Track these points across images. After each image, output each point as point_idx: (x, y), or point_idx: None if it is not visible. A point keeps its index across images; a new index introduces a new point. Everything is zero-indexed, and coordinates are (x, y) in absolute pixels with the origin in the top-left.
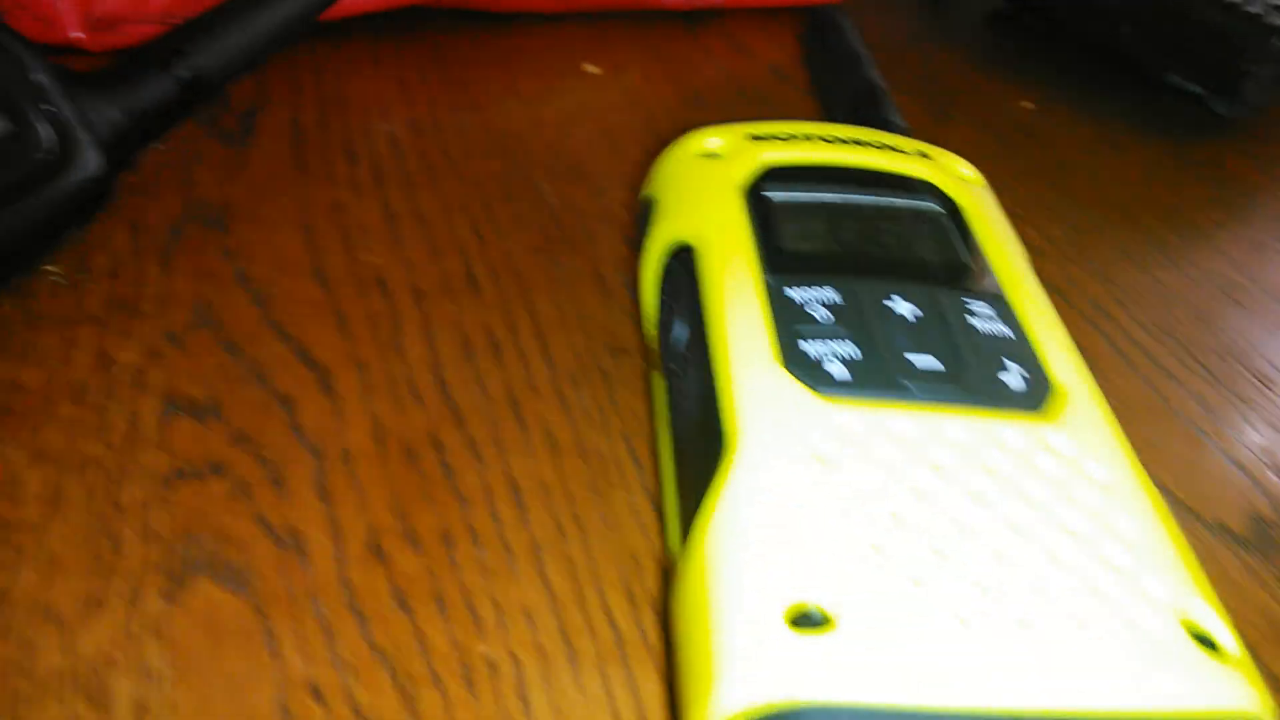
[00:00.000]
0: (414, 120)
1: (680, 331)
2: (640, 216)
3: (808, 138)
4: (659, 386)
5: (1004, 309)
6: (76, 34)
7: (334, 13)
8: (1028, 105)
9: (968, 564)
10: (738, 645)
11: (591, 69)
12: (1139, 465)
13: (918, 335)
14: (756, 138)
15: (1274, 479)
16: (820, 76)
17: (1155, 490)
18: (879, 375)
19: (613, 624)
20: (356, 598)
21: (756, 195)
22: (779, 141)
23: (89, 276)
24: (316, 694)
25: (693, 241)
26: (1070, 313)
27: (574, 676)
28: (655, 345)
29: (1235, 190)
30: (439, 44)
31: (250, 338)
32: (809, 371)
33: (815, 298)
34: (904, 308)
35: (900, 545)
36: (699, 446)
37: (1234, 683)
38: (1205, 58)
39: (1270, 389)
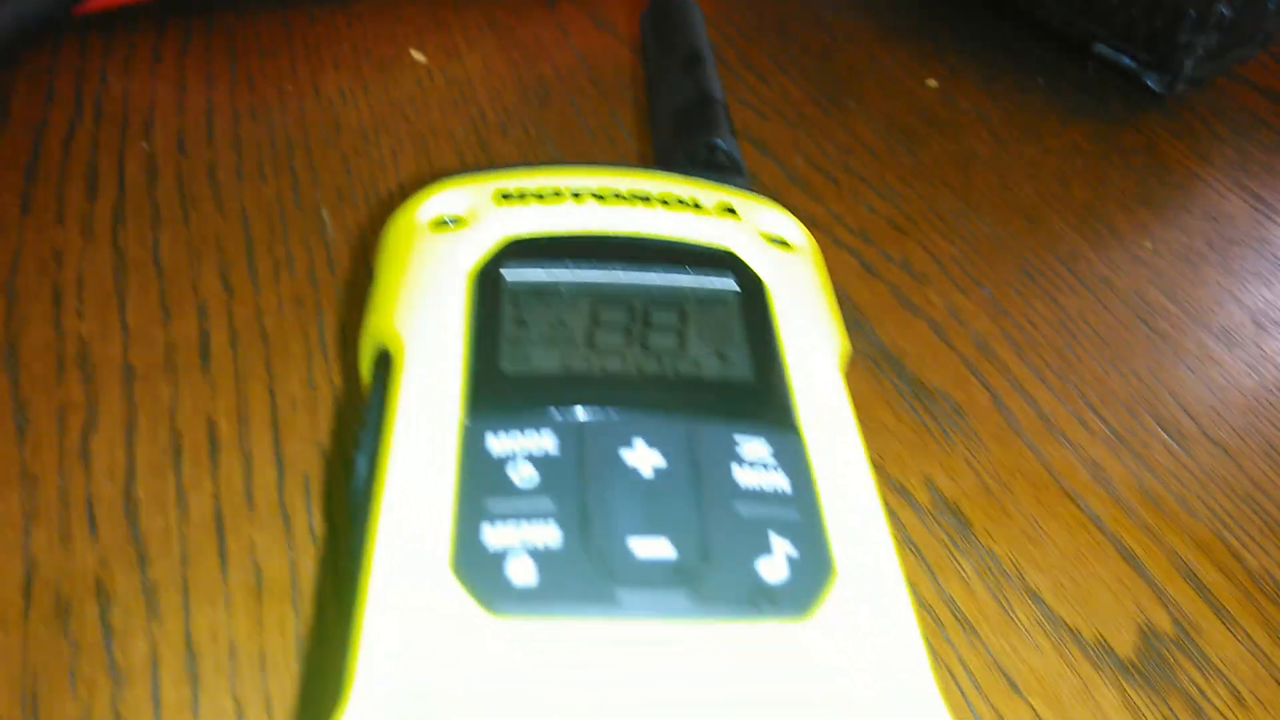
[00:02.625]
0: (183, 133)
1: (360, 474)
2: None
3: (576, 194)
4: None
5: (790, 449)
6: None
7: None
8: (932, 84)
9: None
10: None
11: (418, 57)
12: (927, 687)
13: (653, 505)
14: (507, 196)
15: (1180, 578)
16: (652, 77)
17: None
18: (579, 579)
19: None
20: None
21: (490, 283)
22: (535, 199)
23: None
24: None
25: (391, 350)
26: (949, 357)
27: None
28: None
29: (1167, 182)
30: (237, 34)
31: None
32: (482, 575)
33: (524, 450)
34: (643, 460)
35: None
36: (333, 674)
37: None
38: (1139, 25)
39: (1187, 450)
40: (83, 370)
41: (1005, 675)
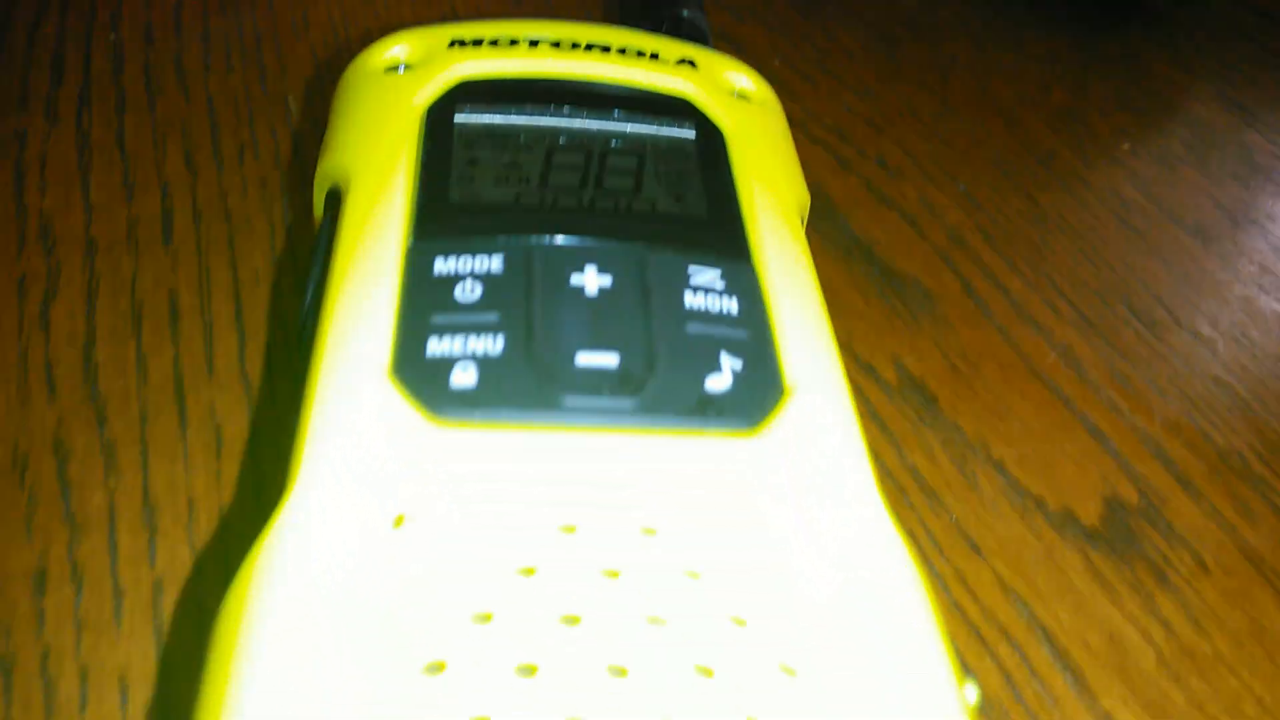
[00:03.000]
0: (151, 26)
1: (307, 300)
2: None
3: (532, 42)
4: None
5: (744, 280)
6: None
7: None
8: None
9: (565, 690)
10: None
11: None
12: (873, 503)
13: (600, 322)
14: (462, 43)
15: (1148, 454)
16: None
17: (889, 538)
18: (521, 385)
19: None
20: None
21: (439, 122)
22: (490, 47)
23: None
24: None
25: (341, 183)
26: (920, 246)
27: None
28: None
29: (1147, 90)
30: None
31: None
32: (425, 381)
33: (471, 270)
34: (593, 282)
35: (472, 662)
36: (279, 482)
37: None
38: None
39: (1159, 336)
40: (44, 244)
41: (968, 539)
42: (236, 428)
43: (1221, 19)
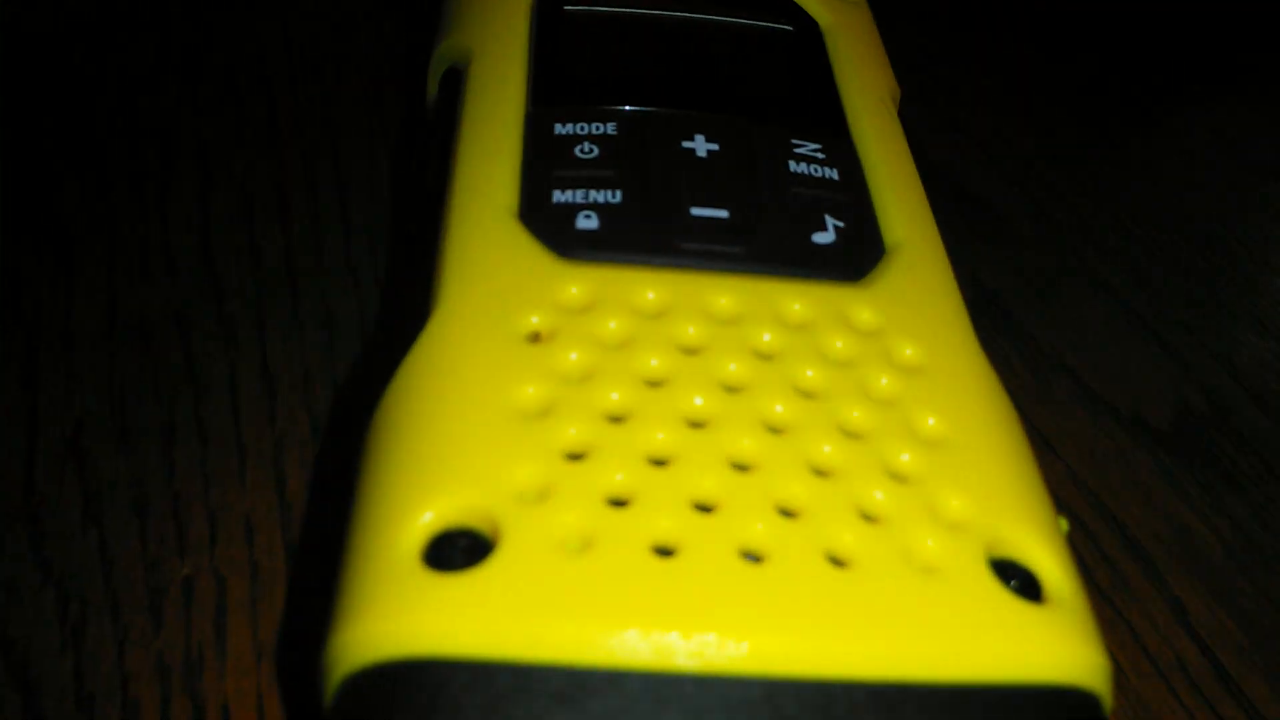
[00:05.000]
0: None
1: (435, 163)
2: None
3: None
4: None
5: (843, 153)
6: None
7: None
8: None
9: (696, 475)
10: (358, 581)
11: None
12: (974, 347)
13: (711, 180)
14: None
15: (1218, 368)
16: None
17: (990, 378)
18: (640, 230)
19: None
20: (42, 505)
21: (551, 7)
22: None
23: None
24: None
25: (459, 61)
26: (993, 171)
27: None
28: None
29: (1233, 48)
30: None
31: None
32: (552, 226)
33: (588, 133)
34: (701, 146)
35: (610, 450)
36: (415, 324)
37: (1052, 643)
38: None
39: (1230, 262)
40: (159, 143)
41: (1042, 436)
42: (347, 310)
43: None
